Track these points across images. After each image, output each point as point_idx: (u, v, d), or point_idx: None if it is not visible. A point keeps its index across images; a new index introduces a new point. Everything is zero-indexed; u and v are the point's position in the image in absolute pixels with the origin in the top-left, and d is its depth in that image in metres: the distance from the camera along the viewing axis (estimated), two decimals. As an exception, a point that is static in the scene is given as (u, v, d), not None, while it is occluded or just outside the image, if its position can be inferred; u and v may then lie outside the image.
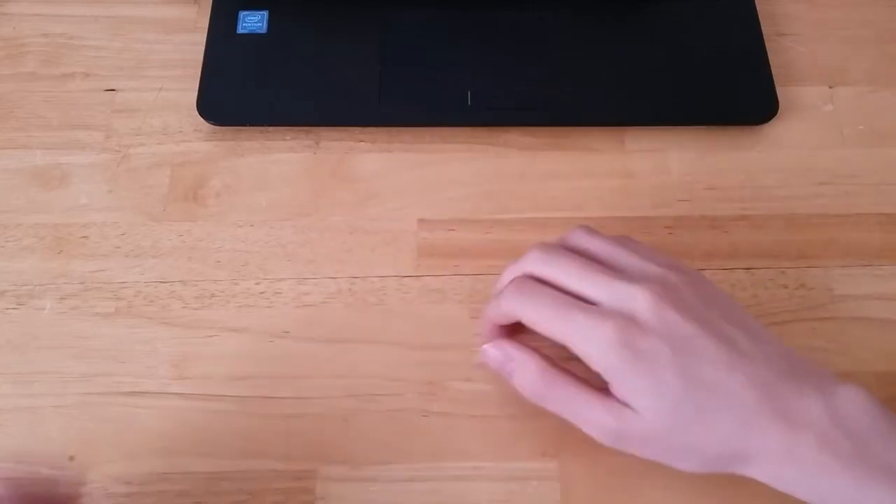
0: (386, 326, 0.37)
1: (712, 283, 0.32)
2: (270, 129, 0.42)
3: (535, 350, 0.31)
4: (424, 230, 0.39)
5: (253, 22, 0.44)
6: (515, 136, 0.42)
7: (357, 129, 0.42)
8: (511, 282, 0.32)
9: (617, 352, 0.28)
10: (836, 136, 0.42)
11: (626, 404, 0.29)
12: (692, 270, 0.32)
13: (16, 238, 0.39)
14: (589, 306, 0.30)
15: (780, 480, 0.28)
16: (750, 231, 0.40)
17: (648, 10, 0.45)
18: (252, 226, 0.39)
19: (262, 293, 0.38)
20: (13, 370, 0.36)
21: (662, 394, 0.28)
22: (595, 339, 0.29)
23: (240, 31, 0.43)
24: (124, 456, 0.34)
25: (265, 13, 0.44)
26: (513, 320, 0.32)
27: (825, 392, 0.28)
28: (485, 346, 0.32)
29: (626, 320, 0.29)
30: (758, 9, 0.45)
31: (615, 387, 0.29)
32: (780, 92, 0.42)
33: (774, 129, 0.42)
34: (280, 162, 0.41)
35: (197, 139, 0.42)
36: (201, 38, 0.43)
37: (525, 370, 0.31)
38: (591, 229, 0.34)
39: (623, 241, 0.33)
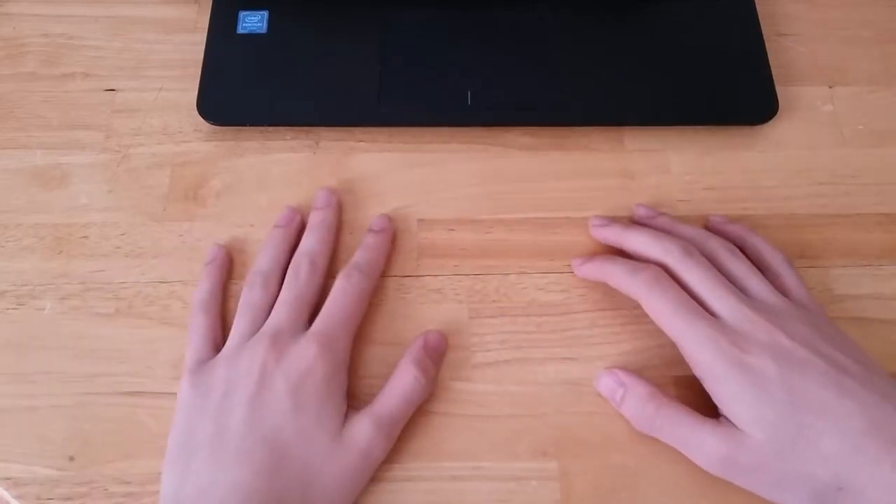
0: (386, 326, 0.37)
1: (828, 318, 0.34)
2: (270, 129, 0.42)
3: (645, 379, 0.34)
4: (424, 230, 0.39)
5: (253, 22, 0.44)
6: (515, 136, 0.42)
7: (357, 129, 0.42)
8: (645, 270, 0.34)
9: (726, 361, 0.30)
10: (836, 136, 0.42)
11: (734, 427, 0.30)
12: (813, 303, 0.34)
13: (16, 238, 0.39)
14: (710, 317, 0.32)
15: None
16: (750, 231, 0.40)
17: (648, 10, 0.45)
18: (252, 226, 0.39)
19: (262, 293, 0.38)
20: (13, 370, 0.36)
21: (766, 406, 0.29)
22: (708, 346, 0.31)
23: (240, 31, 0.43)
24: (124, 456, 0.34)
25: (265, 13, 0.44)
26: (629, 294, 0.34)
27: None
28: (600, 374, 0.35)
29: (741, 338, 0.31)
30: (758, 9, 0.45)
31: (719, 395, 0.30)
32: (780, 92, 0.42)
33: (774, 129, 0.42)
34: (280, 162, 0.41)
35: (197, 139, 0.42)
36: (201, 38, 0.43)
37: (635, 396, 0.33)
38: (733, 248, 0.36)
39: (753, 268, 0.35)
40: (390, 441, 0.33)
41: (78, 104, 0.43)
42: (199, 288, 0.37)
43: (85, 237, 0.39)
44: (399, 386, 0.34)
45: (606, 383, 0.34)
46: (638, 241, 0.36)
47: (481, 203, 0.40)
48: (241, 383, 0.32)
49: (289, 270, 0.36)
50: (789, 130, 0.43)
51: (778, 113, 0.42)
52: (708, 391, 0.31)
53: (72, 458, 0.34)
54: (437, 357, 0.36)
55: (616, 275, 0.35)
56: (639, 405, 0.33)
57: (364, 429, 0.32)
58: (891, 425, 0.28)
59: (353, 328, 0.35)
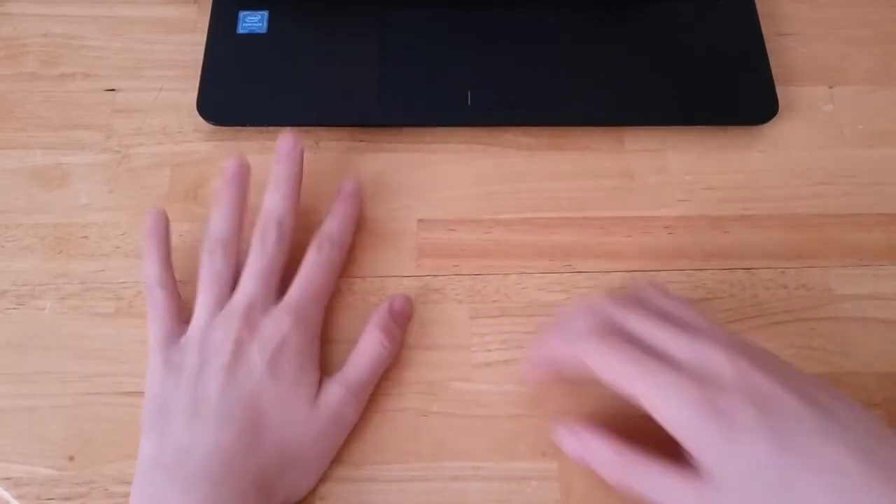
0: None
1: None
2: (270, 129, 0.42)
3: (608, 433, 0.30)
4: (424, 230, 0.39)
5: (253, 22, 0.44)
6: (515, 136, 0.42)
7: (357, 129, 0.42)
8: (592, 331, 0.30)
9: (702, 416, 0.27)
10: (836, 136, 0.42)
11: (710, 476, 0.27)
12: (755, 342, 0.31)
13: (16, 238, 0.39)
14: (672, 366, 0.28)
15: None
16: (750, 231, 0.40)
17: (648, 11, 0.45)
18: (252, 226, 0.39)
19: (262, 293, 0.38)
20: (13, 370, 0.36)
21: (757, 472, 0.26)
22: (680, 403, 0.27)
23: (240, 31, 0.43)
24: (124, 456, 0.34)
25: (265, 13, 0.44)
26: (582, 369, 0.30)
27: None
28: (562, 434, 0.32)
29: (709, 382, 0.27)
30: (758, 9, 0.45)
31: (700, 455, 0.27)
32: (780, 92, 0.42)
33: (774, 129, 0.42)
34: (280, 162, 0.41)
35: (197, 139, 0.42)
36: (201, 38, 0.43)
37: (602, 456, 0.30)
38: (659, 287, 0.33)
39: (689, 303, 0.32)
40: (361, 404, 0.34)
41: (78, 104, 0.43)
42: (148, 263, 0.35)
43: (85, 237, 0.39)
44: (366, 351, 0.34)
45: (572, 447, 0.32)
46: (586, 337, 0.30)
47: (481, 203, 0.40)
48: (215, 357, 0.32)
49: (255, 236, 0.35)
50: (789, 130, 0.42)
51: (778, 113, 0.42)
52: (681, 444, 0.28)
53: (72, 458, 0.34)
54: (403, 321, 0.37)
55: (555, 349, 0.32)
56: (607, 466, 0.30)
57: (335, 393, 0.33)
58: (882, 462, 0.26)
59: (325, 300, 0.36)
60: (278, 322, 0.33)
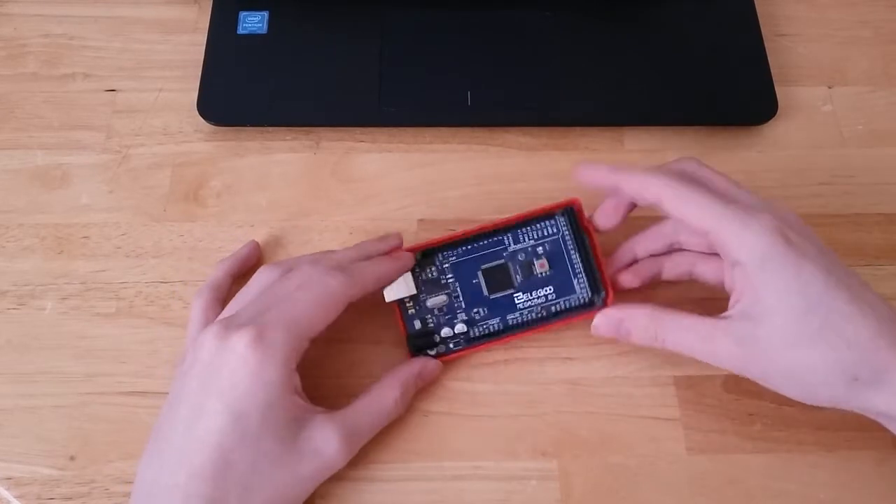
0: (386, 327, 0.37)
1: None
2: (270, 129, 0.42)
3: (640, 303, 0.32)
4: (424, 230, 0.39)
5: (253, 22, 0.44)
6: (515, 136, 0.42)
7: (357, 129, 0.42)
8: (667, 167, 0.32)
9: (772, 236, 0.29)
10: (836, 136, 0.42)
11: (744, 319, 0.29)
12: None
13: (17, 238, 0.39)
14: (745, 204, 0.31)
15: None
16: (749, 231, 0.40)
17: (648, 11, 0.45)
18: (252, 226, 0.40)
19: (262, 293, 0.38)
20: (13, 370, 0.36)
21: (802, 290, 0.28)
22: (753, 226, 0.29)
23: (240, 31, 0.43)
24: (124, 456, 0.34)
25: (265, 13, 0.44)
26: (649, 202, 0.32)
27: None
28: (596, 321, 0.33)
29: (782, 219, 0.30)
30: (757, 9, 0.45)
31: (753, 283, 0.29)
32: (780, 92, 0.42)
33: (774, 129, 0.42)
34: (280, 162, 0.41)
35: (197, 139, 0.42)
36: (201, 38, 0.43)
37: (637, 321, 0.32)
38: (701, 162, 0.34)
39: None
40: (352, 454, 0.31)
41: (78, 104, 0.43)
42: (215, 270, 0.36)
43: (86, 237, 0.39)
44: (378, 403, 0.33)
45: (605, 324, 0.33)
46: (660, 170, 0.32)
47: (481, 203, 0.40)
48: (188, 380, 0.30)
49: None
50: (789, 130, 0.43)
51: (778, 113, 0.42)
52: (745, 276, 0.29)
53: (72, 458, 0.34)
54: (424, 386, 0.35)
55: (627, 176, 0.32)
56: (643, 333, 0.32)
57: (329, 438, 0.30)
58: None
59: (304, 327, 0.31)
60: (235, 349, 0.29)
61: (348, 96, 0.42)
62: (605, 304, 0.34)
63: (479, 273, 0.35)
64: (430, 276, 0.36)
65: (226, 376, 0.29)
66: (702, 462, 0.34)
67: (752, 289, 0.29)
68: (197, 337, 0.31)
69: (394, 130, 0.42)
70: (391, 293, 0.35)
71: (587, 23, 0.44)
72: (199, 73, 0.42)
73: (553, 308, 0.35)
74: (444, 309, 0.35)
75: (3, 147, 0.41)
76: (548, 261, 0.35)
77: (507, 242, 0.35)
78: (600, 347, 0.36)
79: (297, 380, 0.31)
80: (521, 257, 0.35)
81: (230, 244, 0.39)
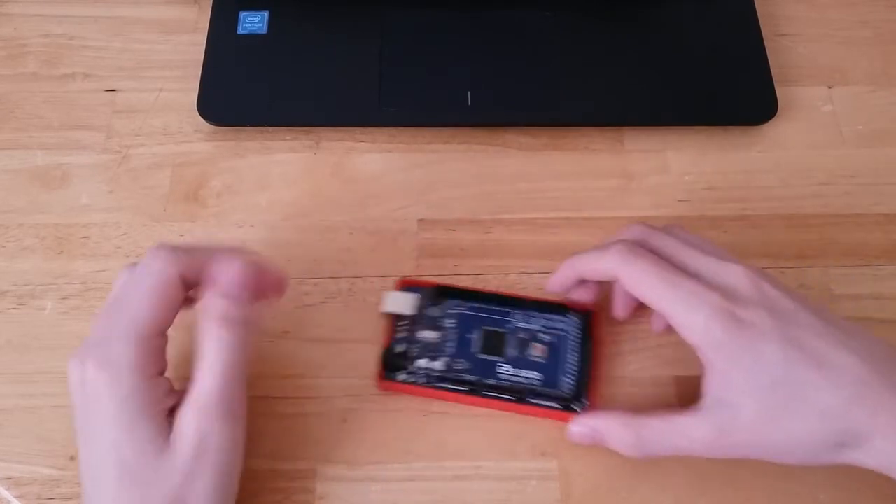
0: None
1: None
2: (270, 129, 0.42)
3: (612, 410, 0.32)
4: (424, 230, 0.39)
5: (253, 22, 0.44)
6: (515, 136, 0.42)
7: (357, 129, 0.42)
8: (616, 243, 0.31)
9: (721, 321, 0.28)
10: (836, 136, 0.42)
11: (719, 405, 0.29)
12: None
13: (17, 238, 0.39)
14: (693, 276, 0.30)
15: None
16: (750, 231, 0.40)
17: (648, 11, 0.45)
18: (252, 226, 0.40)
19: (262, 293, 0.38)
20: (13, 370, 0.36)
21: (764, 369, 0.28)
22: (700, 308, 0.29)
23: (240, 31, 0.43)
24: (125, 456, 0.34)
25: (265, 13, 0.44)
26: (607, 278, 0.32)
27: None
28: (570, 429, 0.32)
29: (729, 293, 0.29)
30: (757, 9, 0.45)
31: (714, 361, 0.29)
32: (780, 92, 0.42)
33: (774, 129, 0.42)
34: (280, 162, 0.41)
35: (197, 139, 0.42)
36: (201, 38, 0.43)
37: (613, 432, 0.31)
38: (679, 228, 0.34)
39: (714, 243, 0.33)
40: (229, 418, 0.28)
41: (78, 105, 0.43)
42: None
43: (86, 237, 0.39)
44: (207, 357, 0.28)
45: (581, 436, 0.32)
46: (611, 246, 0.31)
47: (481, 203, 0.40)
48: (74, 410, 0.29)
49: None
50: (789, 130, 0.43)
51: (778, 113, 0.42)
52: (702, 358, 0.30)
53: (72, 458, 0.34)
54: (240, 291, 0.29)
55: (585, 262, 0.32)
56: (621, 438, 0.31)
57: (190, 422, 0.28)
58: (889, 371, 0.27)
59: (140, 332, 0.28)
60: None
61: (348, 96, 0.42)
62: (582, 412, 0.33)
63: (479, 331, 0.35)
64: (433, 312, 0.36)
65: (90, 410, 0.28)
66: (702, 462, 0.34)
67: (717, 372, 0.29)
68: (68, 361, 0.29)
69: (394, 130, 0.42)
70: (390, 304, 0.35)
71: (587, 23, 0.44)
72: (199, 73, 0.42)
73: (530, 392, 0.34)
74: (431, 346, 0.35)
75: (3, 147, 0.41)
76: (546, 349, 0.35)
77: (515, 316, 0.35)
78: (600, 347, 0.36)
79: (162, 384, 0.29)
80: (522, 335, 0.35)
81: (230, 244, 0.39)
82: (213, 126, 0.42)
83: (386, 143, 0.42)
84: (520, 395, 0.34)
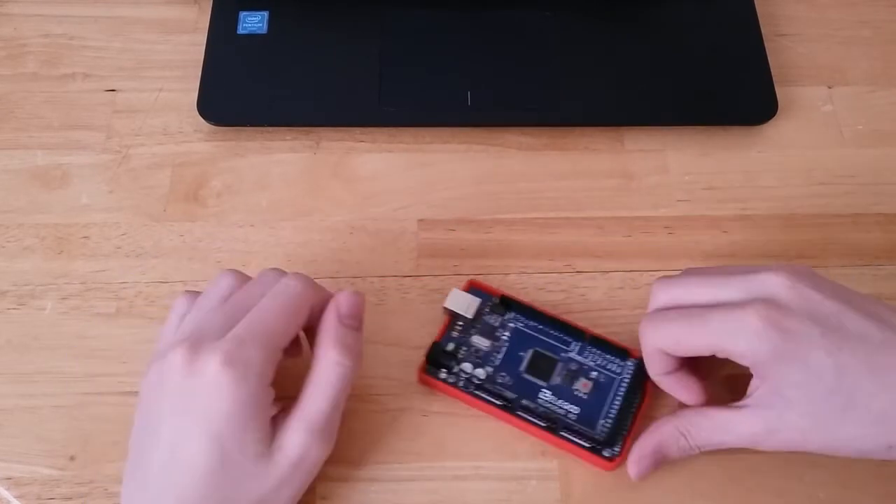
0: (386, 326, 0.37)
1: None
2: (270, 129, 0.42)
3: (655, 424, 0.32)
4: (424, 230, 0.39)
5: (253, 22, 0.44)
6: (515, 136, 0.42)
7: (357, 129, 0.42)
8: (646, 321, 0.31)
9: (765, 337, 0.27)
10: (836, 136, 0.42)
11: (769, 404, 0.28)
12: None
13: (17, 238, 0.39)
14: (723, 304, 0.29)
15: None
16: (750, 231, 0.40)
17: (648, 11, 0.45)
18: (252, 226, 0.40)
19: (262, 293, 0.38)
20: (13, 370, 0.36)
21: (814, 380, 0.27)
22: (740, 331, 0.28)
23: (240, 31, 0.44)
24: (124, 456, 0.34)
25: (265, 13, 0.44)
26: (663, 353, 0.31)
27: None
28: (631, 472, 0.32)
29: (766, 304, 0.28)
30: (757, 9, 0.45)
31: (767, 378, 0.28)
32: (780, 92, 0.42)
33: (774, 129, 0.42)
34: (280, 162, 0.41)
35: (197, 139, 0.42)
36: (201, 38, 0.43)
37: (666, 442, 0.31)
38: (690, 270, 0.33)
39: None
40: (328, 440, 0.30)
41: (78, 105, 0.43)
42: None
43: (86, 237, 0.39)
44: (322, 379, 0.30)
45: (640, 466, 0.32)
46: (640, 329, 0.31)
47: (481, 203, 0.40)
48: (161, 399, 0.29)
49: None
50: (789, 130, 0.43)
51: (778, 113, 0.42)
52: (756, 373, 0.29)
53: (72, 458, 0.34)
54: (357, 322, 0.32)
55: (650, 370, 0.32)
56: (674, 444, 0.31)
57: (295, 438, 0.29)
58: None
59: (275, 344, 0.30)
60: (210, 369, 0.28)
61: (348, 96, 0.42)
62: (610, 459, 0.33)
63: (531, 351, 0.35)
64: (491, 320, 0.36)
65: (200, 399, 0.28)
66: (702, 462, 0.34)
67: (767, 382, 0.29)
68: (166, 353, 0.29)
69: (394, 130, 0.42)
70: (452, 301, 0.35)
71: (587, 23, 0.44)
72: (199, 73, 0.42)
73: (564, 424, 0.33)
74: (479, 353, 0.35)
75: (3, 147, 0.41)
76: (592, 386, 0.34)
77: (572, 347, 0.35)
78: (600, 347, 0.36)
79: (272, 393, 0.30)
80: (573, 366, 0.35)
81: (230, 244, 0.39)
82: (213, 126, 0.42)
83: (386, 143, 0.42)
84: (553, 425, 0.33)
